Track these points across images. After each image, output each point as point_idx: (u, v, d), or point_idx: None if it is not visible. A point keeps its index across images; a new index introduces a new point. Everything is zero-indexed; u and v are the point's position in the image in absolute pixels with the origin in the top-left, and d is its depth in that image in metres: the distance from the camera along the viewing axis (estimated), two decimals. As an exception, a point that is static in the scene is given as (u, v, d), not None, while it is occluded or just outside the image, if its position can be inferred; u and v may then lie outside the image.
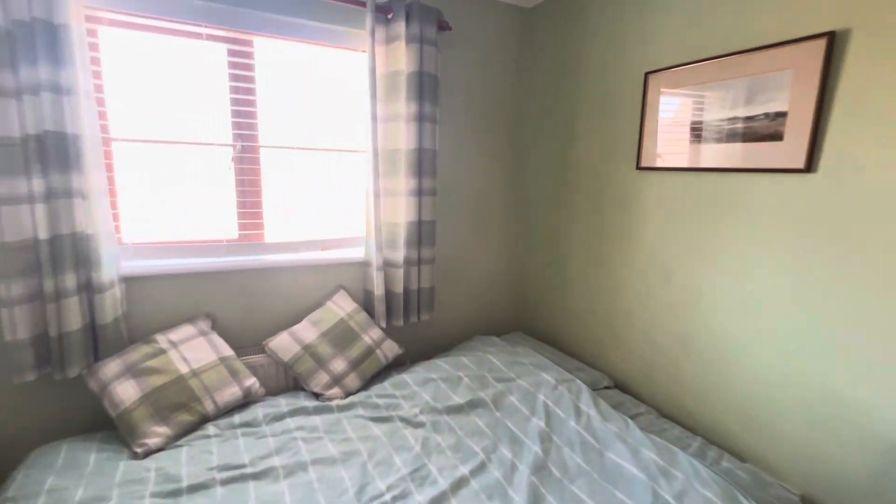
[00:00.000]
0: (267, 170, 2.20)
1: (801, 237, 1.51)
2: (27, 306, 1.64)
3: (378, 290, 2.26)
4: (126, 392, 1.67)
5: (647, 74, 1.94)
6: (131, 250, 1.95)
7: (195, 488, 1.43)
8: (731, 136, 1.66)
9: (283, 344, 2.07)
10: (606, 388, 2.13)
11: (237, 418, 1.78)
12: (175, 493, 1.40)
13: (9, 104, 1.55)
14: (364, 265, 2.37)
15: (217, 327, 2.06)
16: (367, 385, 2.10)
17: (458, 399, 1.92)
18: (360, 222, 2.37)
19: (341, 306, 2.24)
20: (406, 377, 2.11)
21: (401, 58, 2.12)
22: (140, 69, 1.90)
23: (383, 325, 2.31)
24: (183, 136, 2.01)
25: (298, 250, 2.29)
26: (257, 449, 1.61)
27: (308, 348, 2.06)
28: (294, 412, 1.84)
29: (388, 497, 1.42)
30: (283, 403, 1.89)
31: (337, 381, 2.03)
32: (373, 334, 2.22)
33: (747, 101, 1.61)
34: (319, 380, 2.02)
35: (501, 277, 2.83)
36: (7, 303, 1.60)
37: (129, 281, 1.89)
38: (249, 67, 2.09)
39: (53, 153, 1.60)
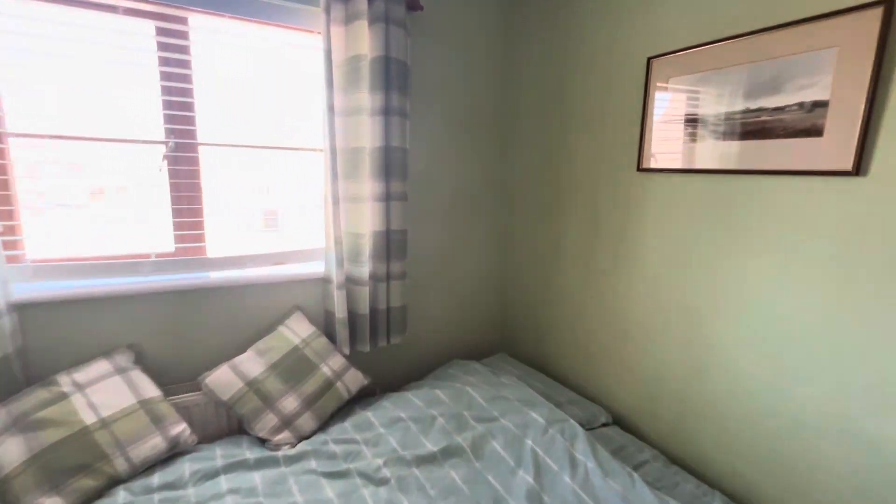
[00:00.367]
0: (208, 172, 1.87)
1: (844, 254, 1.23)
2: None
3: (340, 311, 1.93)
4: (8, 453, 1.32)
5: (650, 59, 1.66)
6: (29, 270, 1.60)
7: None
8: (752, 133, 1.38)
9: (223, 379, 1.74)
10: (604, 425, 1.84)
11: (157, 478, 1.44)
12: None
13: None
14: (325, 282, 2.05)
15: (142, 361, 1.71)
16: (325, 426, 1.78)
17: (430, 446, 1.61)
18: (319, 233, 2.04)
19: (296, 331, 1.91)
20: (371, 416, 1.80)
21: (363, 40, 1.80)
22: (43, 49, 1.56)
23: (346, 351, 1.99)
24: (101, 132, 1.67)
25: (246, 266, 1.96)
26: (175, 523, 1.29)
27: (252, 384, 1.73)
28: (230, 467, 1.50)
29: None
30: (219, 455, 1.56)
31: (287, 423, 1.70)
32: (333, 364, 1.90)
33: (773, 89, 1.33)
34: (266, 423, 1.69)
35: (483, 293, 2.52)
36: None
37: (25, 308, 1.54)
38: (184, 50, 1.75)
39: None
